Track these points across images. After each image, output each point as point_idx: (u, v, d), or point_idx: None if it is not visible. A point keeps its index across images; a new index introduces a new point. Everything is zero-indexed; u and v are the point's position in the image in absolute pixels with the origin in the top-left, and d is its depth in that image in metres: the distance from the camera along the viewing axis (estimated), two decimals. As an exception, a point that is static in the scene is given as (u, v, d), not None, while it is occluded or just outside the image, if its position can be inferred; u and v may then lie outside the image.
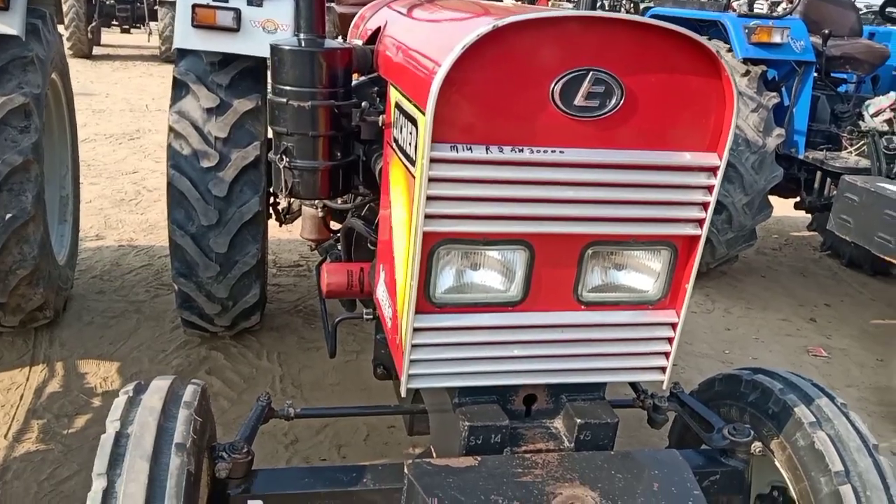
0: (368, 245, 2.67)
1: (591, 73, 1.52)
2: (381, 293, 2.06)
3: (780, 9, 5.19)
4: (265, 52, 3.21)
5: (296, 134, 2.17)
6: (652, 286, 1.78)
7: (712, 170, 1.65)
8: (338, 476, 1.93)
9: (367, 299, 2.79)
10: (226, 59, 3.42)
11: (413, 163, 1.61)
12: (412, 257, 1.59)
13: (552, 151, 1.56)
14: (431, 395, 2.00)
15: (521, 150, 1.55)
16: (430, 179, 1.51)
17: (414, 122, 1.60)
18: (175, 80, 3.42)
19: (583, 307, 1.77)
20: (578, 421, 1.78)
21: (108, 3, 15.11)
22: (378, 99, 2.29)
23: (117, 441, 1.65)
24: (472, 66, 1.45)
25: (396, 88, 1.85)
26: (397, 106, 1.83)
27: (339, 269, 2.55)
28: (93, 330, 4.11)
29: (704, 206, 1.68)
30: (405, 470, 1.66)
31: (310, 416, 2.16)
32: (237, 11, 3.24)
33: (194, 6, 3.19)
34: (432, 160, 1.49)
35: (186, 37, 3.25)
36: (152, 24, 15.53)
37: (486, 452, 1.74)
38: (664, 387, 1.88)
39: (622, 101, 1.55)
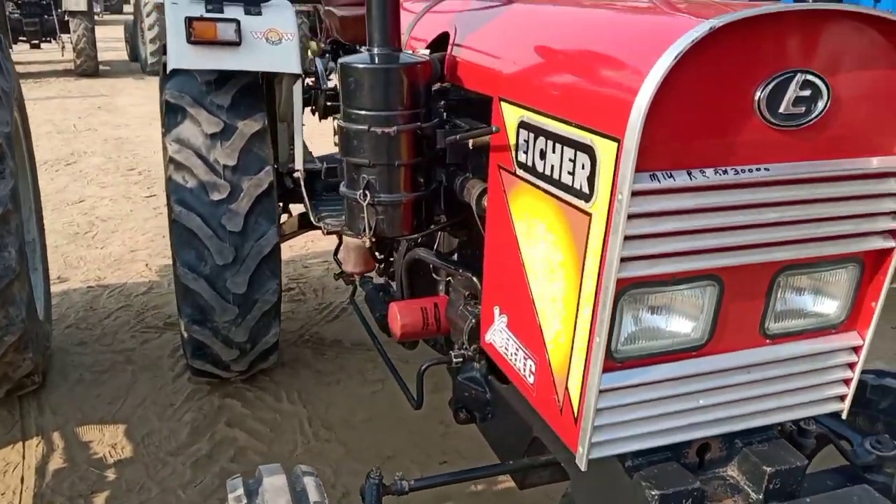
0: (436, 277, 2.40)
1: (797, 74, 1.29)
2: (501, 340, 1.79)
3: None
4: (273, 67, 2.91)
5: (379, 165, 1.87)
6: (836, 308, 1.57)
7: (907, 173, 1.45)
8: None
9: (436, 337, 2.53)
10: (222, 77, 3.06)
11: (583, 197, 1.35)
12: (600, 309, 1.33)
13: (757, 170, 1.33)
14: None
15: (725, 172, 1.31)
16: (630, 216, 1.25)
17: (583, 148, 1.33)
18: (168, 104, 3.04)
19: (768, 342, 1.54)
20: (768, 469, 1.56)
21: (13, 16, 14.08)
22: (451, 115, 2.01)
23: (256, 570, 1.34)
24: (673, 80, 1.19)
25: (521, 106, 1.58)
26: (525, 126, 1.55)
27: (411, 308, 2.26)
28: (84, 389, 3.67)
29: (894, 214, 1.48)
30: (601, 557, 1.41)
31: (428, 487, 1.89)
32: (237, 23, 2.88)
33: (191, 20, 2.82)
34: (633, 193, 1.23)
35: (183, 55, 2.88)
36: (64, 36, 14.60)
37: (676, 520, 1.50)
38: (843, 416, 1.68)
39: (828, 105, 1.33)
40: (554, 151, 1.45)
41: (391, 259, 2.90)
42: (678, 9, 1.36)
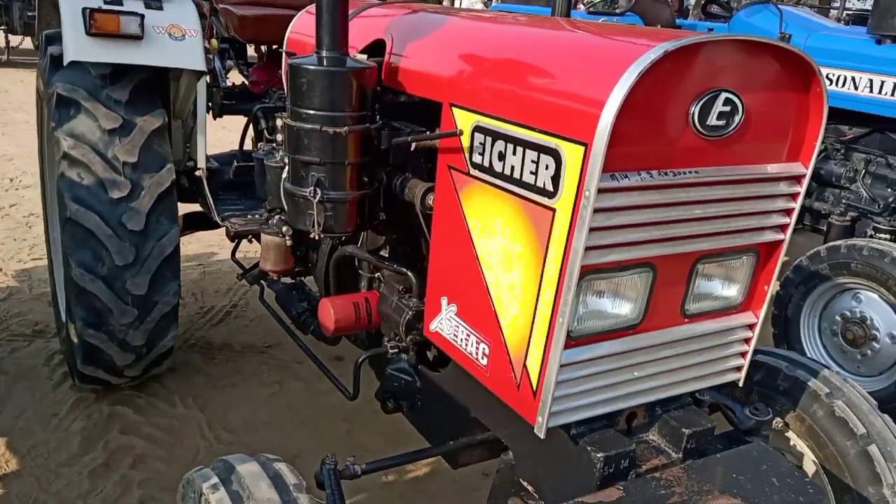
0: (363, 273, 2.49)
1: (721, 93, 1.53)
2: (449, 327, 1.93)
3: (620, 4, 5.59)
4: (178, 63, 2.89)
5: (328, 163, 1.95)
6: (736, 291, 1.86)
7: (798, 178, 1.75)
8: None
9: (358, 333, 2.62)
10: (118, 72, 2.97)
11: (547, 194, 1.52)
12: (564, 292, 1.51)
13: (690, 172, 1.56)
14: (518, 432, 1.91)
15: (666, 174, 1.53)
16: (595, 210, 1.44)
17: (547, 151, 1.51)
18: (59, 96, 2.90)
19: (686, 321, 1.79)
20: (686, 431, 1.81)
21: None
22: (389, 118, 2.12)
23: (253, 548, 1.39)
24: (631, 93, 1.40)
25: (475, 112, 1.73)
26: (481, 130, 1.71)
27: (344, 304, 2.35)
28: (-50, 403, 3.38)
29: (788, 212, 1.78)
30: (561, 515, 1.59)
31: (377, 470, 1.97)
32: (142, 17, 2.81)
33: (91, 11, 2.71)
34: (598, 191, 1.42)
35: (82, 48, 2.76)
36: None
37: (616, 479, 1.71)
38: (741, 384, 1.98)
39: (741, 120, 1.59)
40: (514, 154, 1.61)
41: (305, 258, 2.93)
42: (627, 33, 1.57)
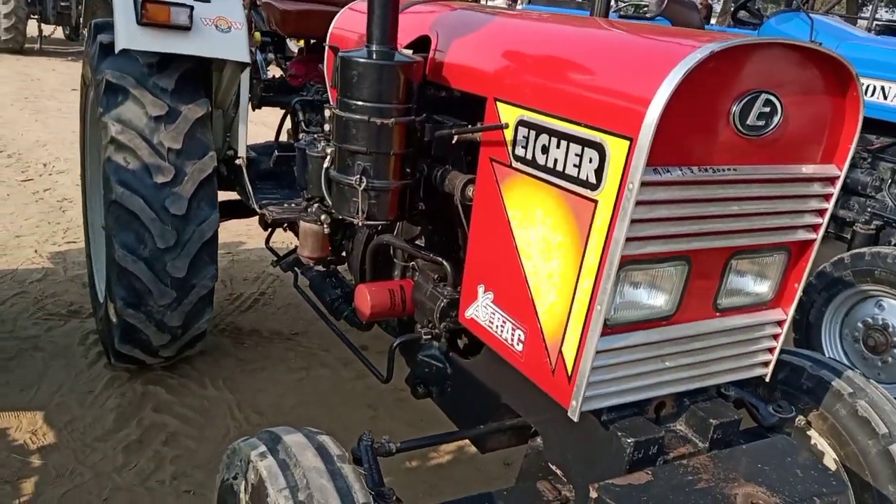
0: (398, 262, 2.56)
1: (762, 94, 1.59)
2: (485, 314, 2.00)
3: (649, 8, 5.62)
4: (224, 54, 2.97)
5: (374, 153, 2.03)
6: (767, 288, 1.91)
7: (832, 180, 1.80)
8: (475, 509, 1.88)
9: (390, 320, 2.68)
10: (164, 61, 3.06)
11: (590, 186, 1.59)
12: (603, 281, 1.57)
13: (729, 170, 1.62)
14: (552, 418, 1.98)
15: (706, 170, 1.59)
16: (636, 203, 1.50)
17: (592, 145, 1.57)
18: (108, 83, 3.00)
19: (718, 314, 1.85)
20: (713, 422, 1.87)
21: None
22: (432, 111, 2.19)
23: (301, 512, 1.46)
24: (676, 92, 1.46)
25: (520, 106, 1.80)
26: (525, 124, 1.77)
27: (380, 290, 2.42)
28: (-10, 377, 3.50)
29: (821, 213, 1.83)
30: (591, 493, 1.65)
31: (411, 449, 2.04)
32: (191, 8, 2.90)
33: (143, 1, 2.81)
34: (642, 184, 1.49)
35: (133, 36, 2.86)
36: None
37: (645, 465, 1.77)
38: (767, 379, 2.03)
39: (780, 120, 1.65)
40: (558, 147, 1.68)
41: (340, 246, 3.01)
42: (671, 33, 1.64)
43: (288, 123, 3.85)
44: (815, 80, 1.69)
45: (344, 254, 3.02)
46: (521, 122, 1.79)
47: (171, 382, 3.60)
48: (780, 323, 1.96)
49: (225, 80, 3.27)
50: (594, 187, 1.58)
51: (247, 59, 3.06)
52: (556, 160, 1.69)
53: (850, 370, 2.37)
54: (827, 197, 1.82)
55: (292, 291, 4.85)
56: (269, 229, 3.65)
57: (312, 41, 3.91)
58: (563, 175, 1.67)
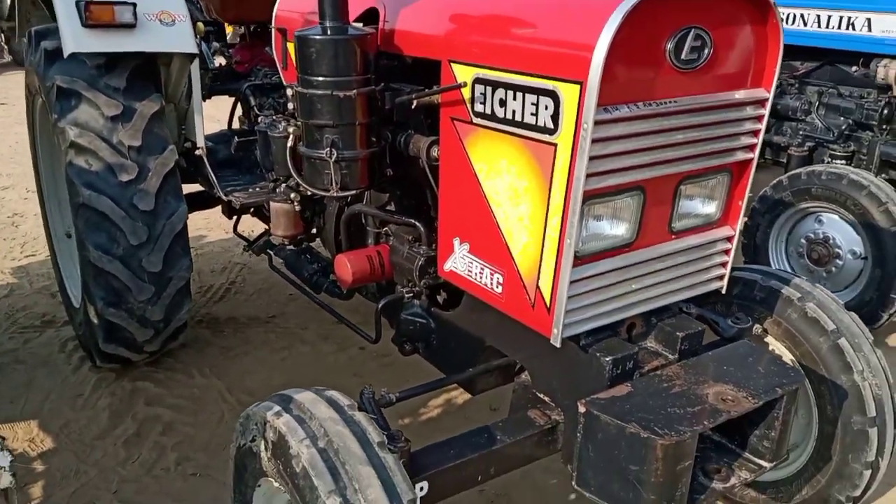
0: (370, 229, 2.68)
1: (692, 29, 1.75)
2: (463, 265, 2.14)
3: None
4: (172, 47, 3.03)
5: (341, 125, 2.14)
6: (715, 208, 2.10)
7: (762, 102, 1.98)
8: (474, 440, 2.04)
9: (377, 285, 2.80)
10: (112, 61, 3.09)
11: (547, 132, 1.73)
12: (570, 216, 1.73)
13: (670, 102, 1.79)
14: (533, 348, 2.13)
15: (650, 105, 1.75)
16: (592, 141, 1.65)
17: (546, 93, 1.71)
18: (59, 88, 3.02)
19: (673, 237, 2.03)
20: (679, 335, 2.06)
21: None
22: (387, 79, 2.29)
23: (323, 456, 1.60)
24: (618, 34, 1.60)
25: (475, 65, 1.92)
26: (482, 81, 1.90)
27: (359, 258, 2.54)
28: (-25, 393, 3.52)
29: (755, 133, 2.02)
30: (580, 408, 1.82)
31: (409, 397, 2.18)
32: (134, 6, 2.94)
33: (86, 3, 2.84)
34: (595, 123, 1.64)
35: (80, 39, 2.89)
36: None
37: (623, 379, 1.95)
38: (723, 291, 2.22)
39: (710, 52, 1.81)
40: (515, 99, 1.82)
41: (310, 222, 3.11)
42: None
43: (238, 110, 3.90)
44: (738, 12, 1.86)
45: (315, 230, 3.12)
46: (478, 80, 1.92)
47: (158, 377, 3.67)
48: (729, 239, 2.15)
49: (174, 74, 3.32)
50: (552, 132, 1.73)
51: (194, 50, 3.10)
52: (514, 111, 1.83)
53: (797, 277, 2.59)
54: (759, 118, 2.00)
55: (262, 277, 4.96)
56: (236, 216, 3.72)
57: (252, 26, 3.95)
58: (521, 124, 1.81)
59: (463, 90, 1.97)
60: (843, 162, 4.53)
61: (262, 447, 1.78)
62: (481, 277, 2.08)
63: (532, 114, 1.77)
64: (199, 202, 3.78)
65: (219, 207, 3.82)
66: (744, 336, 2.47)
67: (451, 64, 2.02)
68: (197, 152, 3.31)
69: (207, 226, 5.69)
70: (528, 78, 1.77)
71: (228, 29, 4.26)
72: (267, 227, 3.59)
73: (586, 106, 1.62)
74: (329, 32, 2.10)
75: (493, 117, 1.90)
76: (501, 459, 2.04)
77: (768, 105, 1.99)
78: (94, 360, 3.56)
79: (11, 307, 4.42)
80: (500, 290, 2.02)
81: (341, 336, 4.17)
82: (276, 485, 1.77)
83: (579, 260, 1.84)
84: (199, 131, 3.29)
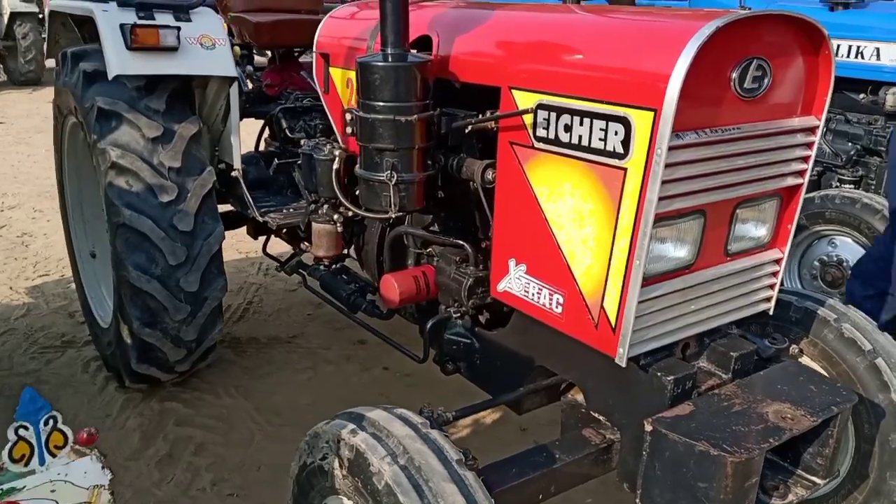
0: (414, 250, 2.72)
1: (755, 60, 1.82)
2: (519, 285, 2.18)
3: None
4: (213, 70, 3.09)
5: (401, 149, 2.19)
6: (766, 231, 2.16)
7: (812, 129, 2.05)
8: (534, 459, 2.07)
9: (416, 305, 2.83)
10: (151, 83, 3.14)
11: (617, 156, 1.79)
12: (640, 238, 1.78)
13: (734, 129, 1.85)
14: (586, 368, 2.17)
15: (716, 131, 1.82)
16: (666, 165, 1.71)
17: (616, 119, 1.77)
18: (100, 110, 3.05)
19: (728, 259, 2.09)
20: (733, 354, 2.11)
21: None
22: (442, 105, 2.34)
23: (406, 473, 1.63)
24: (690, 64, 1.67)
25: (538, 91, 1.98)
26: (545, 107, 1.96)
27: (406, 278, 2.58)
28: (1, 413, 3.50)
29: (805, 159, 2.08)
30: (647, 426, 1.86)
31: (463, 416, 2.20)
32: (178, 29, 2.99)
33: (132, 27, 2.88)
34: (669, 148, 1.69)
35: (125, 62, 2.93)
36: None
37: (682, 399, 1.99)
38: (770, 312, 2.28)
39: (770, 80, 1.88)
40: (581, 125, 1.87)
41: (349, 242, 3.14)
42: (671, 15, 1.85)
43: (268, 132, 3.95)
44: (794, 42, 1.93)
45: (352, 249, 3.15)
46: (541, 106, 1.98)
47: (185, 397, 3.67)
48: (777, 261, 2.21)
49: (210, 96, 3.36)
50: (622, 156, 1.78)
51: (234, 73, 3.16)
52: (580, 136, 1.88)
53: (831, 299, 2.65)
54: (809, 145, 2.07)
55: (279, 297, 4.98)
56: (265, 237, 3.75)
57: (281, 50, 4.01)
58: (589, 149, 1.86)
59: (524, 116, 2.02)
60: (852, 186, 4.64)
61: (336, 465, 1.80)
62: (539, 298, 2.13)
63: (600, 139, 1.83)
64: (228, 223, 3.80)
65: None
66: (781, 356, 2.53)
67: (512, 90, 2.07)
68: (233, 173, 3.35)
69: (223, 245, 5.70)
70: (596, 104, 1.82)
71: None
72: (295, 247, 3.62)
73: (660, 132, 1.68)
74: (391, 59, 2.15)
75: (556, 142, 1.95)
76: (561, 478, 2.07)
77: (819, 132, 2.06)
78: (123, 381, 3.56)
79: (30, 327, 4.40)
80: (559, 310, 2.06)
81: (364, 356, 4.20)
82: (349, 503, 1.79)
83: (645, 281, 1.89)
84: (236, 153, 3.33)
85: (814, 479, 2.07)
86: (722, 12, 1.77)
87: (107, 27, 2.95)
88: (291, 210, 3.38)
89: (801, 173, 2.10)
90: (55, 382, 3.79)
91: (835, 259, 4.26)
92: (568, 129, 1.91)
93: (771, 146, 1.98)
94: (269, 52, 4.09)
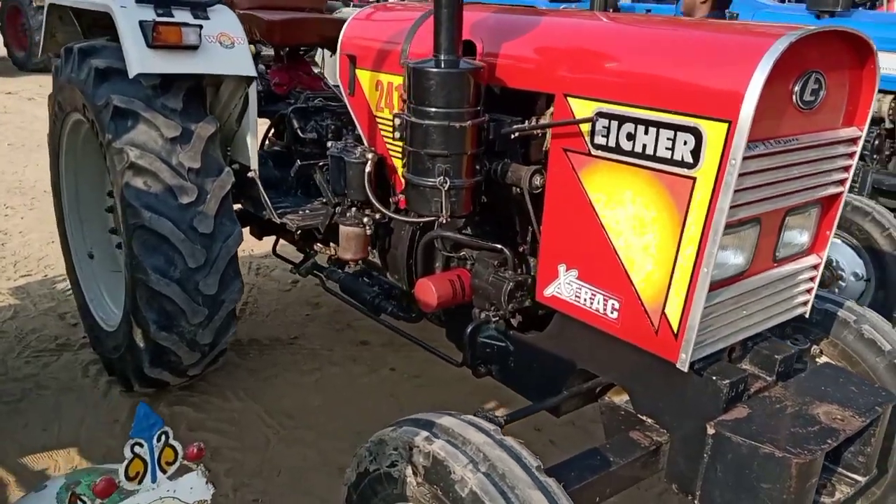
0: (448, 254, 2.72)
1: (813, 73, 1.88)
2: (569, 290, 2.20)
3: None
4: (233, 69, 3.04)
5: (453, 154, 2.19)
6: (808, 237, 2.23)
7: (855, 140, 2.12)
8: (590, 463, 2.10)
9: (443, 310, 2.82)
10: (167, 81, 3.07)
11: (686, 166, 1.82)
12: (709, 246, 1.82)
13: (793, 140, 1.90)
14: (638, 371, 2.21)
15: (779, 142, 1.87)
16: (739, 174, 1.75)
17: (686, 129, 1.81)
18: (116, 108, 2.97)
19: (775, 265, 2.15)
20: (777, 357, 2.17)
21: None
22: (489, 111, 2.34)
23: (490, 481, 1.64)
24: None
25: (596, 99, 2.01)
26: (605, 115, 1.99)
27: (442, 282, 2.58)
28: (4, 421, 3.39)
29: (847, 168, 2.16)
30: (710, 430, 1.91)
31: (514, 420, 2.22)
32: (200, 27, 2.93)
33: (154, 24, 2.81)
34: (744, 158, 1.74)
35: (146, 60, 2.86)
36: None
37: (735, 402, 2.04)
38: (807, 315, 2.35)
39: (825, 93, 1.94)
40: (646, 133, 1.90)
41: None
42: (735, 28, 1.89)
43: (273, 131, 3.89)
44: (845, 55, 1.99)
45: (376, 252, 3.13)
46: (600, 114, 2.00)
47: (194, 401, 3.61)
48: (815, 266, 2.29)
49: (224, 96, 3.30)
50: (691, 166, 1.82)
51: (253, 73, 3.11)
52: (644, 145, 1.91)
53: (849, 301, 2.75)
54: (851, 154, 2.14)
55: (273, 298, 4.93)
56: (275, 237, 3.71)
57: (287, 49, 3.95)
58: (654, 158, 1.90)
59: (580, 124, 2.04)
60: (841, 189, 4.79)
61: (409, 472, 1.79)
62: (592, 303, 2.15)
63: (667, 148, 1.86)
64: (245, 222, 3.74)
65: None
66: (802, 357, 2.61)
67: (567, 97, 2.09)
68: (249, 174, 3.29)
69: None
70: (663, 114, 1.86)
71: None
72: (305, 249, 3.59)
73: (735, 143, 1.72)
74: (444, 66, 2.15)
75: (617, 150, 1.98)
76: (615, 481, 2.11)
77: (860, 142, 2.13)
78: (130, 385, 3.47)
79: (20, 330, 4.26)
80: (614, 315, 2.10)
81: (369, 357, 4.19)
82: (422, 510, 1.80)
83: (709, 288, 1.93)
84: (253, 153, 3.27)
85: (855, 476, 2.15)
86: (787, 27, 1.82)
87: (126, 24, 2.87)
88: (308, 211, 3.34)
89: (842, 182, 2.17)
90: (55, 387, 3.69)
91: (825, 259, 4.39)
92: (631, 137, 1.94)
93: (820, 156, 2.04)
94: (272, 50, 4.03)
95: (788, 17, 5.05)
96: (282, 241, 3.82)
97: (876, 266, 4.18)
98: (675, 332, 1.94)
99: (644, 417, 2.25)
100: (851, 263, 4.33)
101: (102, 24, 3.25)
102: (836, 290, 4.38)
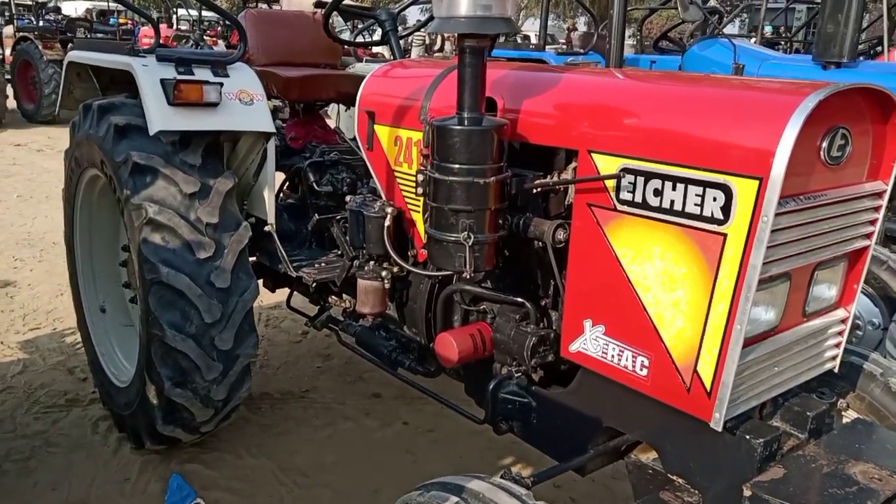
0: (467, 308, 2.69)
1: (840, 129, 1.88)
2: (596, 346, 2.17)
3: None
4: (252, 126, 3.07)
5: (477, 210, 2.18)
6: (835, 291, 2.21)
7: (880, 194, 2.12)
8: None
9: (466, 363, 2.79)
10: (186, 138, 3.09)
11: (716, 222, 1.81)
12: (742, 303, 1.79)
13: (821, 195, 1.90)
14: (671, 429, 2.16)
15: (809, 198, 1.86)
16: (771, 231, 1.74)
17: (716, 186, 1.80)
18: (136, 164, 2.99)
19: (805, 320, 2.12)
20: (809, 414, 2.13)
21: None
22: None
23: (531, 551, 1.59)
24: (789, 134, 1.72)
25: (621, 156, 2.01)
26: (630, 171, 1.99)
27: (463, 336, 2.55)
28: (14, 480, 3.33)
29: (873, 222, 2.15)
30: (746, 492, 1.86)
31: (541, 481, 2.16)
32: (221, 85, 2.96)
33: (176, 82, 2.85)
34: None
35: (167, 117, 2.89)
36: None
37: (768, 461, 2.00)
38: (836, 370, 2.32)
39: (850, 150, 1.94)
40: (674, 190, 1.90)
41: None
42: (754, 84, 1.90)
43: (288, 185, 3.91)
44: (870, 110, 2.00)
45: (393, 306, 3.11)
46: (626, 170, 2.00)
47: (205, 458, 3.54)
48: (843, 320, 2.26)
49: (242, 151, 3.32)
50: (721, 222, 1.81)
51: (272, 128, 3.13)
52: (672, 201, 1.91)
53: (873, 353, 2.71)
54: (877, 208, 2.14)
55: (284, 350, 4.89)
56: (290, 290, 3.69)
57: (302, 104, 4.00)
58: (683, 214, 1.89)
59: (624, 180, 2.04)
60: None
61: (441, 538, 1.74)
62: (620, 360, 2.12)
63: (696, 204, 1.85)
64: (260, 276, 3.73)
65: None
66: (830, 412, 2.57)
67: (591, 153, 2.10)
68: (266, 228, 3.29)
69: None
70: (691, 171, 1.85)
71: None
72: (320, 302, 3.57)
73: (767, 200, 1.71)
74: (467, 123, 2.16)
75: (644, 206, 1.97)
76: (648, 543, 2.05)
77: (886, 196, 2.13)
78: (141, 442, 3.42)
79: (29, 385, 4.22)
80: (644, 372, 2.06)
81: (382, 410, 4.13)
82: (451, 577, 1.74)
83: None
84: (270, 207, 3.28)
85: (891, 536, 2.09)
86: (814, 84, 1.83)
87: (147, 82, 2.91)
88: (324, 265, 3.34)
89: (868, 235, 2.16)
90: (66, 445, 3.62)
91: (840, 308, 4.36)
92: (658, 193, 1.94)
93: (847, 210, 2.03)
94: (286, 105, 4.07)
95: (795, 67, 5.11)
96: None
97: (892, 314, 4.14)
98: (709, 390, 1.91)
99: (674, 477, 2.20)
100: (868, 313, 4.29)
101: (121, 81, 3.29)
102: (854, 339, 4.33)
